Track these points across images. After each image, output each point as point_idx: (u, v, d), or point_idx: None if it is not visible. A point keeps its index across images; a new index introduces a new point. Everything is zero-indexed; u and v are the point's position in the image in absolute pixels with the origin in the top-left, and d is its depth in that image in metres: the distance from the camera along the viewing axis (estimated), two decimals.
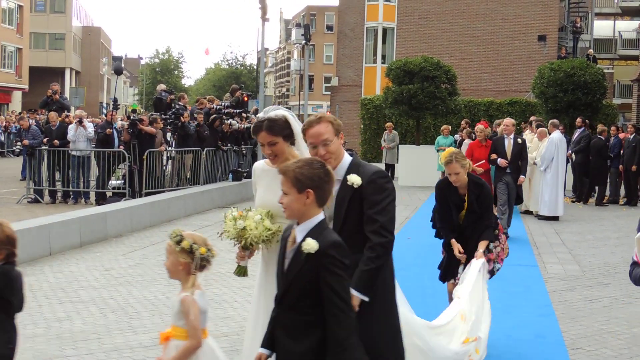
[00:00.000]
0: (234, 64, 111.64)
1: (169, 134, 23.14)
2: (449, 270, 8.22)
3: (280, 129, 5.52)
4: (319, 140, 5.19)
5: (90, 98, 74.77)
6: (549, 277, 12.19)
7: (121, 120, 31.21)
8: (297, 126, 5.64)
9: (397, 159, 30.71)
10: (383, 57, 42.29)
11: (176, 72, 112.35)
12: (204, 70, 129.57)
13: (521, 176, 16.70)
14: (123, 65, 26.18)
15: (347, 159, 5.28)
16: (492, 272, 8.35)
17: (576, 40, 46.92)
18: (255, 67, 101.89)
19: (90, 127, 22.05)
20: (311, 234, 4.23)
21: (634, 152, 22.84)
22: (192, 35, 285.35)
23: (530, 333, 8.85)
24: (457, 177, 7.97)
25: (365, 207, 5.10)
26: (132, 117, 21.24)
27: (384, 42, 42.91)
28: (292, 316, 4.26)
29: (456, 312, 7.25)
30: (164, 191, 20.57)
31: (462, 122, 27.83)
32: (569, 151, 22.72)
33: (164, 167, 22.08)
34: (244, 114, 25.65)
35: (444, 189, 8.23)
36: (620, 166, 23.30)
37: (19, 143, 24.19)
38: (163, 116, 22.22)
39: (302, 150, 5.58)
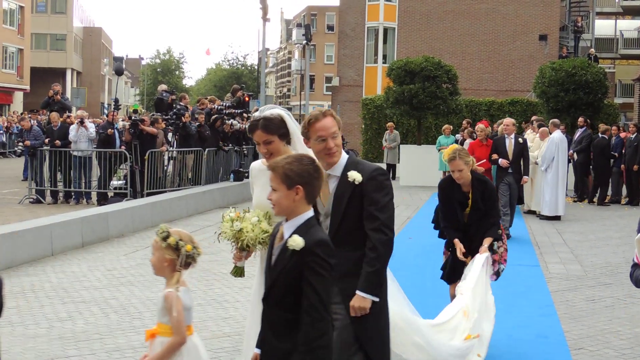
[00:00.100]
0: (235, 64, 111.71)
1: (170, 134, 23.15)
2: (455, 272, 8.12)
3: (276, 128, 5.53)
4: (329, 133, 5.17)
5: (92, 98, 74.85)
6: (550, 277, 12.17)
7: (122, 120, 31.23)
8: (293, 125, 5.64)
9: (399, 159, 30.70)
10: (384, 57, 42.26)
11: (177, 72, 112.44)
12: (205, 70, 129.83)
13: (524, 177, 16.70)
14: (124, 65, 26.19)
15: (344, 156, 5.29)
16: (497, 274, 8.34)
17: (577, 39, 46.91)
18: (256, 67, 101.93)
19: (91, 128, 22.06)
20: (298, 230, 4.21)
21: (635, 152, 22.81)
22: (193, 35, 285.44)
23: (532, 333, 8.84)
24: (461, 174, 7.93)
25: (366, 204, 5.10)
26: (133, 118, 21.25)
27: (384, 42, 42.87)
28: (277, 313, 4.24)
29: (459, 308, 7.24)
30: (165, 191, 20.58)
31: (464, 122, 27.84)
32: (571, 151, 22.70)
33: (166, 168, 22.10)
34: (245, 114, 25.64)
35: (447, 188, 8.19)
36: (622, 166, 23.27)
37: (20, 143, 24.16)
38: (164, 116, 22.23)
39: (297, 150, 5.58)
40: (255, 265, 5.79)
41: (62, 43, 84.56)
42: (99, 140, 21.62)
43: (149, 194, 19.90)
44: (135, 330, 8.63)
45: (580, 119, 24.49)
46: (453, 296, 7.91)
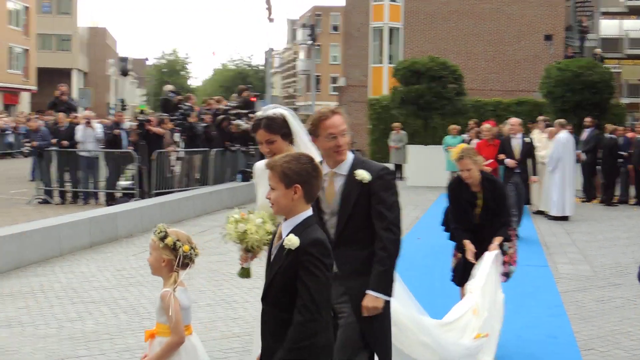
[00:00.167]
0: (241, 64, 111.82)
1: (177, 135, 23.18)
2: (466, 274, 8.04)
3: (279, 127, 5.54)
4: (339, 131, 5.18)
5: (98, 99, 74.87)
6: (560, 277, 12.15)
7: (129, 121, 31.26)
8: (296, 125, 5.65)
9: (405, 159, 30.68)
10: (390, 57, 42.23)
11: (183, 73, 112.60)
12: (211, 71, 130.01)
13: (533, 176, 16.68)
14: (129, 66, 26.24)
15: (350, 155, 5.30)
16: (507, 275, 8.31)
17: (583, 39, 46.84)
18: (262, 67, 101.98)
19: (98, 128, 22.10)
20: (295, 230, 4.21)
21: None
22: (198, 36, 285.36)
23: (542, 334, 8.82)
24: (469, 173, 7.88)
25: (374, 203, 5.12)
26: (139, 118, 21.28)
27: (390, 42, 42.84)
28: (274, 312, 4.25)
29: (468, 307, 7.20)
30: (173, 192, 20.60)
31: (470, 122, 27.79)
32: (579, 151, 22.65)
33: (173, 168, 22.12)
34: (251, 115, 25.63)
35: (456, 188, 8.14)
36: (630, 166, 23.20)
37: (28, 144, 24.20)
38: (171, 117, 22.26)
39: (301, 147, 5.59)
40: (263, 266, 5.80)
41: (68, 43, 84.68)
42: (106, 141, 21.66)
43: (156, 194, 19.92)
44: (144, 330, 8.63)
45: (588, 119, 24.44)
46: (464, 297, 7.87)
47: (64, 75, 76.86)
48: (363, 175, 5.11)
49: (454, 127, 27.44)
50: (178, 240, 4.90)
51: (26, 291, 10.56)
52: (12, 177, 30.00)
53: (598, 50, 42.25)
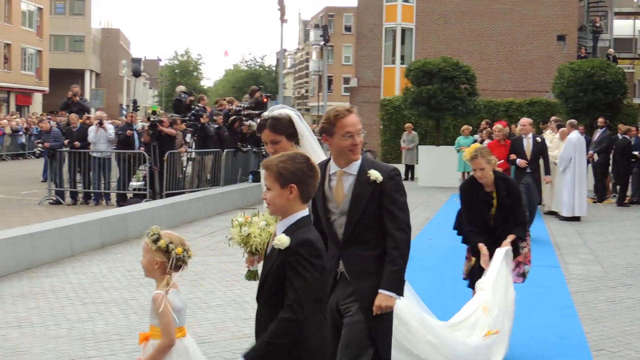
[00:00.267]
0: (253, 65, 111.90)
1: (188, 136, 23.22)
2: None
3: (284, 128, 5.54)
4: (357, 129, 5.18)
5: (110, 100, 75.15)
6: (571, 277, 12.11)
7: (141, 121, 31.30)
8: (302, 126, 5.65)
9: (417, 160, 30.66)
10: (402, 57, 42.16)
11: (195, 73, 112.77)
12: (223, 71, 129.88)
13: (546, 176, 16.63)
14: (142, 67, 26.27)
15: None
16: (523, 275, 8.27)
17: (596, 39, 46.70)
18: (274, 68, 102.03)
19: (110, 129, 22.15)
20: (288, 230, 4.20)
21: None
22: (210, 36, 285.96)
23: (553, 334, 8.79)
24: (483, 172, 7.77)
25: (387, 203, 5.13)
26: (152, 119, 21.31)
27: (402, 42, 42.74)
28: (267, 312, 4.23)
29: (478, 304, 7.18)
30: (184, 192, 20.63)
31: (482, 123, 27.75)
32: (591, 151, 22.58)
33: (184, 169, 22.16)
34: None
35: (469, 189, 8.03)
36: None
37: (40, 145, 24.28)
38: (183, 118, 22.29)
39: (307, 148, 5.59)
40: None
41: (81, 44, 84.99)
42: (118, 142, 21.70)
43: (167, 195, 19.95)
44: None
45: (601, 120, 24.36)
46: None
47: (76, 76, 77.20)
48: (376, 175, 5.11)
49: (466, 128, 27.45)
50: (171, 242, 4.91)
51: (37, 292, 10.59)
52: (24, 178, 30.11)
53: (611, 51, 42.13)
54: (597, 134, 24.10)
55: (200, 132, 22.13)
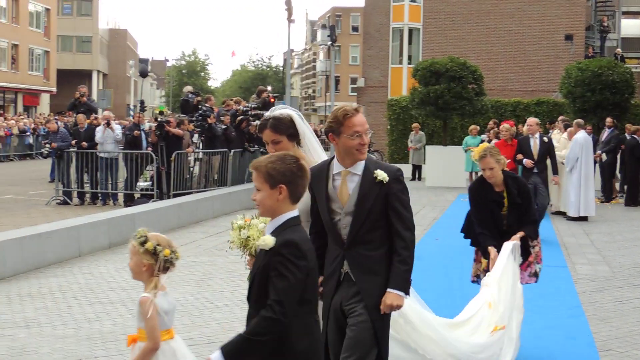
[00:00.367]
0: (260, 65, 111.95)
1: (195, 136, 23.24)
2: None
3: (285, 128, 5.53)
4: (365, 128, 5.18)
5: (118, 100, 75.22)
6: (578, 278, 12.08)
7: (148, 122, 31.35)
8: (303, 126, 5.64)
9: (424, 160, 30.63)
10: (409, 57, 42.12)
11: (202, 74, 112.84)
12: (230, 72, 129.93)
13: (554, 175, 16.60)
14: (149, 67, 26.31)
15: None
16: (536, 275, 8.23)
17: (603, 39, 46.58)
18: (281, 68, 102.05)
19: (118, 129, 22.18)
20: (275, 231, 4.20)
21: None
22: (218, 37, 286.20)
23: (560, 334, 8.78)
24: (492, 172, 7.68)
25: (393, 203, 5.14)
26: (159, 119, 21.34)
27: (410, 42, 42.69)
28: (255, 312, 4.21)
29: (483, 301, 7.14)
30: (191, 192, 20.65)
31: (490, 123, 27.73)
32: (598, 151, 22.53)
33: (192, 169, 22.18)
34: None
35: (478, 189, 7.94)
36: None
37: (47, 145, 24.33)
38: (190, 118, 22.32)
39: (309, 148, 5.59)
40: None
41: (88, 45, 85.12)
42: (125, 142, 21.72)
43: (175, 195, 19.98)
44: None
45: (609, 120, 24.31)
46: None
47: (84, 76, 77.35)
48: (382, 175, 5.12)
49: (474, 127, 27.42)
50: (158, 244, 4.89)
51: (45, 292, 10.61)
52: (32, 179, 30.18)
53: (618, 50, 42.02)
54: (605, 134, 24.05)
55: (207, 133, 22.14)
